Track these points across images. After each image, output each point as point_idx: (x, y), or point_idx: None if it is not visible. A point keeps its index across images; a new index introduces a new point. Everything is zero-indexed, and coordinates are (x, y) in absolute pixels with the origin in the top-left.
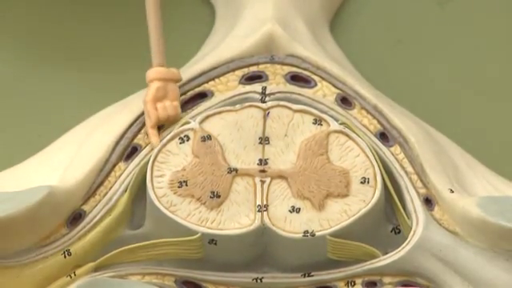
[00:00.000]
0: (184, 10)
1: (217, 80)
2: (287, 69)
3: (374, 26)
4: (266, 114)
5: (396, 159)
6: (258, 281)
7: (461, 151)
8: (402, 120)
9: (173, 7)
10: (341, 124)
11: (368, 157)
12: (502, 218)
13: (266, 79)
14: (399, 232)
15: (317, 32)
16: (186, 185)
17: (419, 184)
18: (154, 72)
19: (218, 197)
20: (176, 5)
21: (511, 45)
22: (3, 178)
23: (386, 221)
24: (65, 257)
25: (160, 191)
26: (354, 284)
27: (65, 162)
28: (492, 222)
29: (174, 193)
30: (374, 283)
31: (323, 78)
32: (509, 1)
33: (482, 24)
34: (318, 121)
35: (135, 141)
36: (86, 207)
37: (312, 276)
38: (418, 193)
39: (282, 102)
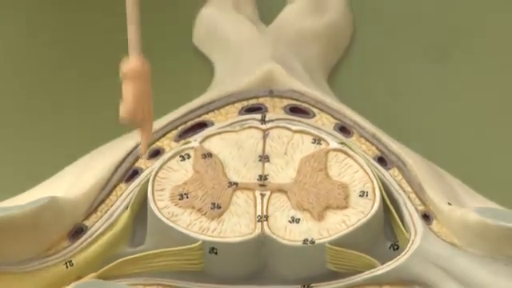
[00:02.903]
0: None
1: (216, 111)
2: (286, 101)
3: (371, 80)
4: (266, 134)
5: (395, 180)
6: None
7: (459, 182)
8: (400, 146)
9: (171, 62)
10: (340, 143)
11: (367, 173)
12: (501, 220)
13: (266, 111)
14: (397, 248)
15: (314, 78)
16: (187, 197)
17: (417, 202)
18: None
19: (219, 208)
20: (174, 61)
21: (507, 92)
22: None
23: (385, 238)
24: (67, 267)
25: (161, 203)
26: None
27: (66, 189)
28: (491, 224)
29: (175, 204)
30: None
31: (322, 110)
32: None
33: (481, 77)
34: (317, 140)
35: (136, 164)
36: (87, 222)
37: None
38: (416, 209)
39: (281, 123)
